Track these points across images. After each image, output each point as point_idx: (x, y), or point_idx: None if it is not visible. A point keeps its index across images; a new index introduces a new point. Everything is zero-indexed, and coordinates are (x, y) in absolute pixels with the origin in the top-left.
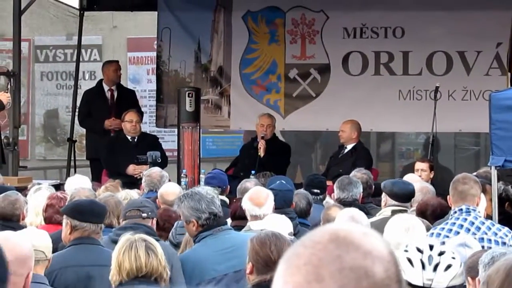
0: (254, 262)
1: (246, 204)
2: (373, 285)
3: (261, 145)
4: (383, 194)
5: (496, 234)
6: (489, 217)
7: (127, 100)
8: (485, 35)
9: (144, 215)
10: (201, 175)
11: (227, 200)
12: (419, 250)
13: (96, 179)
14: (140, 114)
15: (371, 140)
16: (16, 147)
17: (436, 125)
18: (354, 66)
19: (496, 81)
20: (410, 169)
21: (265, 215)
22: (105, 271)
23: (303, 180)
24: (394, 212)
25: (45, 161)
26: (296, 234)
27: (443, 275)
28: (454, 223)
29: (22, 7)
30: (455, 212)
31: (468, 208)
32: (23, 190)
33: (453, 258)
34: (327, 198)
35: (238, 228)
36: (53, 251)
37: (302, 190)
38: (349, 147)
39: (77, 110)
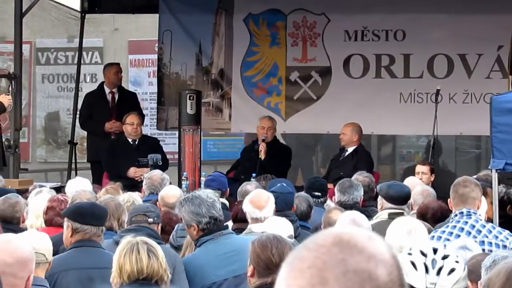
0: (255, 265)
1: (247, 206)
2: None
3: (262, 147)
4: (379, 197)
5: (496, 237)
6: (489, 220)
7: (128, 102)
8: (486, 38)
9: (150, 220)
10: (201, 178)
11: (227, 202)
12: (422, 253)
13: (97, 181)
14: (141, 116)
15: (372, 143)
16: (17, 150)
17: (437, 128)
18: (355, 69)
19: (497, 84)
20: (411, 172)
21: (265, 218)
22: (106, 274)
23: (304, 182)
24: (391, 215)
25: (46, 164)
26: (297, 237)
27: (446, 279)
28: (455, 226)
29: (24, 10)
30: (456, 215)
31: (469, 211)
32: (24, 192)
33: (457, 262)
34: (328, 201)
35: (239, 230)
36: (54, 254)
37: (303, 193)
38: (350, 150)
39: (78, 112)
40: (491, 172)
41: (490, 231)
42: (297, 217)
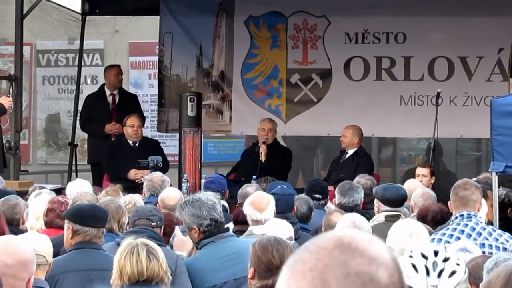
0: (256, 267)
1: (248, 209)
2: None
3: (263, 150)
4: (375, 200)
5: (497, 240)
6: (490, 222)
7: (129, 104)
8: (487, 41)
9: (154, 224)
10: (202, 180)
11: (226, 204)
12: (423, 256)
13: (98, 183)
14: (142, 118)
15: (372, 145)
16: (17, 151)
17: (437, 131)
18: (355, 72)
19: (497, 87)
20: (411, 174)
21: (266, 220)
22: (106, 276)
23: (305, 185)
24: (387, 218)
25: (47, 165)
26: (297, 239)
27: (447, 281)
28: (455, 229)
29: (24, 12)
30: (456, 218)
31: (469, 214)
32: (24, 194)
33: (458, 264)
34: (329, 203)
35: (240, 232)
36: (55, 256)
37: (303, 195)
38: (351, 152)
39: (78, 114)
40: (491, 174)
41: (491, 234)
42: (297, 219)
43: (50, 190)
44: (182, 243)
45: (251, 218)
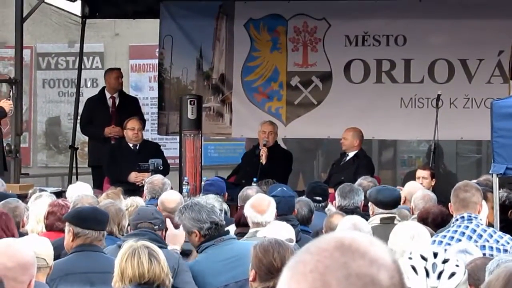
0: (257, 270)
1: (248, 211)
2: None
3: (263, 152)
4: (370, 203)
5: (497, 241)
6: (490, 224)
7: (129, 107)
8: (487, 43)
9: (156, 227)
10: (202, 183)
11: (227, 207)
12: (423, 257)
13: (98, 186)
14: (142, 121)
15: (373, 147)
16: (18, 155)
17: (438, 133)
18: (356, 74)
19: (498, 89)
20: (412, 176)
21: (267, 222)
22: (107, 278)
23: (305, 187)
24: (382, 220)
25: (47, 169)
26: (298, 241)
27: (447, 282)
28: (456, 231)
29: (24, 15)
30: (457, 220)
31: (470, 216)
32: (25, 197)
33: (457, 266)
34: (329, 206)
35: (242, 234)
36: (57, 258)
37: (304, 198)
38: (351, 154)
39: (79, 117)
40: (492, 176)
41: (491, 236)
42: (298, 221)
43: (51, 193)
44: (174, 236)
45: (252, 221)
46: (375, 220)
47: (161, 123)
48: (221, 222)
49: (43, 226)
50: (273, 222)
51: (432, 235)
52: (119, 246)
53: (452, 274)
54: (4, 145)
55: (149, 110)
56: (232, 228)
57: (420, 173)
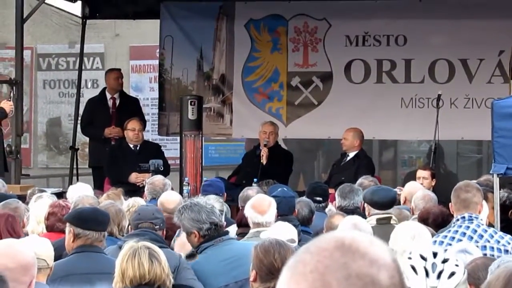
0: (258, 270)
1: (249, 211)
2: None
3: (264, 152)
4: (365, 204)
5: (498, 242)
6: (491, 225)
7: (129, 108)
8: (488, 43)
9: (157, 227)
10: (203, 183)
11: (228, 207)
12: (422, 257)
13: (99, 187)
14: (143, 122)
15: (373, 148)
16: (18, 155)
17: (438, 133)
18: (356, 74)
19: (498, 89)
20: (413, 177)
21: (267, 223)
22: (108, 279)
23: (306, 188)
24: (379, 221)
25: (48, 169)
26: (299, 242)
27: (447, 282)
28: (457, 231)
29: (25, 16)
30: (458, 220)
31: (471, 216)
32: (25, 198)
33: (457, 265)
34: (330, 206)
35: (244, 235)
36: (58, 259)
37: (304, 198)
38: (352, 155)
39: (79, 118)
40: (493, 176)
41: (492, 236)
42: (298, 222)
43: (51, 193)
44: (183, 244)
45: (253, 221)
46: (372, 221)
47: (161, 123)
48: (221, 223)
49: (43, 227)
50: (276, 223)
51: (433, 235)
52: (120, 247)
53: (452, 274)
54: (5, 146)
55: (150, 110)
56: (232, 229)
57: (421, 173)
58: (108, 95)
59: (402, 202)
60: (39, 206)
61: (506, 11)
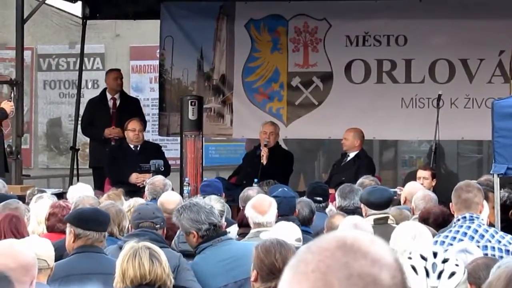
0: (259, 270)
1: (250, 212)
2: None
3: (264, 153)
4: (362, 205)
5: (499, 241)
6: (491, 225)
7: (130, 108)
8: (488, 43)
9: (158, 226)
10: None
11: (229, 208)
12: (423, 257)
13: (99, 187)
14: (143, 122)
15: (374, 148)
16: (19, 156)
17: (438, 133)
18: (356, 74)
19: (498, 89)
20: (413, 177)
21: (268, 223)
22: (108, 279)
23: (306, 188)
24: (376, 221)
25: (48, 170)
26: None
27: (447, 282)
28: (458, 231)
29: (25, 16)
30: (458, 220)
31: (472, 216)
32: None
33: (457, 265)
34: (330, 206)
35: (245, 235)
36: (58, 260)
37: (305, 198)
38: (352, 155)
39: (80, 118)
40: (493, 176)
41: (493, 236)
42: (299, 222)
43: (52, 194)
44: None
45: (253, 221)
46: (369, 221)
47: (162, 124)
48: (219, 223)
49: (44, 228)
50: (280, 222)
51: (433, 236)
52: (120, 247)
53: (452, 274)
54: (5, 146)
55: (150, 111)
56: (233, 229)
57: (421, 173)
58: (109, 96)
59: (402, 202)
60: (40, 206)
61: (506, 11)
